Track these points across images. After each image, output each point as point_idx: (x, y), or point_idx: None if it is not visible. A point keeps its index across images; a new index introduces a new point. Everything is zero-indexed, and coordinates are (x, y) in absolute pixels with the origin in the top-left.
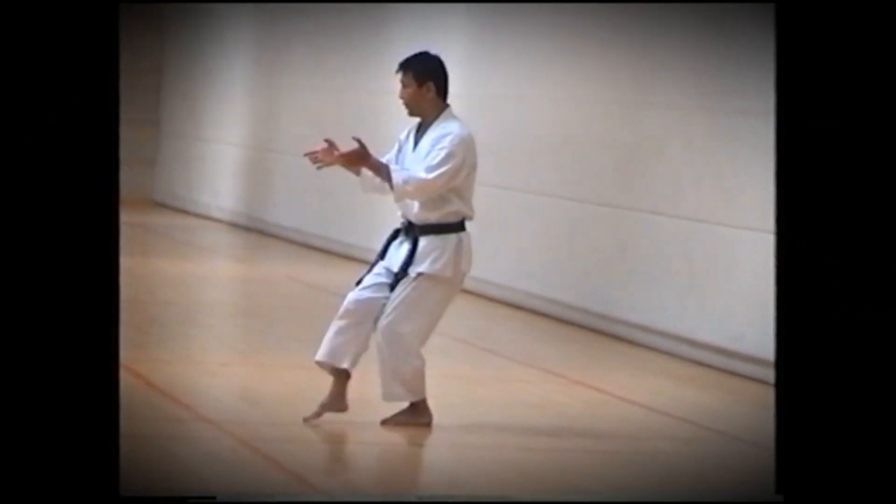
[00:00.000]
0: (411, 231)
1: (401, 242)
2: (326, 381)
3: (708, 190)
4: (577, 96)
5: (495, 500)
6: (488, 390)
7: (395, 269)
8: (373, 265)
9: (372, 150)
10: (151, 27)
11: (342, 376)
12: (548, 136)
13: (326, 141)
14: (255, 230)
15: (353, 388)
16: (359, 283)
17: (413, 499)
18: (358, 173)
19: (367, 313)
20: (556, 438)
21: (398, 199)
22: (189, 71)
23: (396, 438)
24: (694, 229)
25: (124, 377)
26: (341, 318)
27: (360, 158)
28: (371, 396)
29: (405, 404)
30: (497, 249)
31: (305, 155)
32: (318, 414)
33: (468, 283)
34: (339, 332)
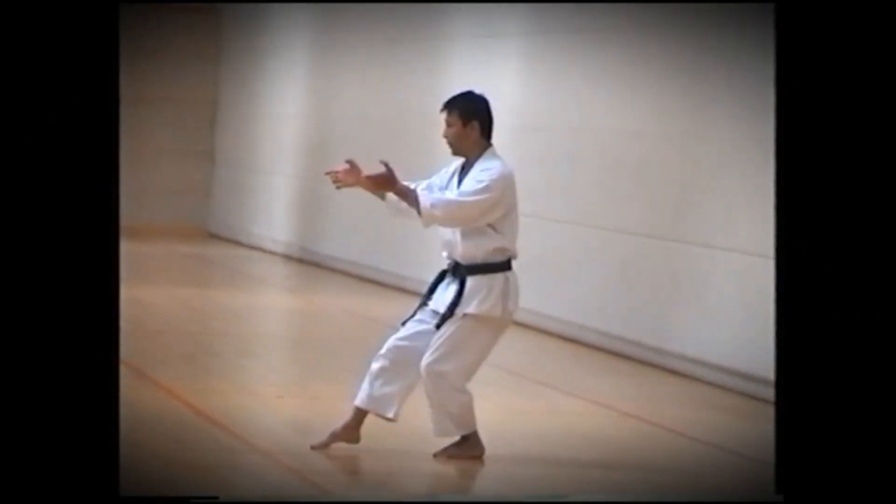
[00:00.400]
0: (458, 272)
1: (448, 284)
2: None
3: (761, 221)
4: (630, 128)
5: (499, 500)
6: (541, 423)
7: (442, 309)
8: (419, 307)
9: (421, 176)
10: (208, 57)
11: (363, 413)
12: (601, 167)
13: (348, 162)
14: (309, 262)
15: (402, 421)
16: (404, 323)
17: (425, 499)
18: (383, 197)
19: (408, 361)
20: (609, 471)
21: (426, 225)
22: (244, 102)
23: (448, 471)
24: (747, 262)
25: (177, 406)
26: (380, 360)
27: (386, 182)
28: (422, 428)
29: (457, 437)
30: (550, 282)
31: (326, 174)
32: (325, 444)
33: (522, 316)
34: (382, 377)
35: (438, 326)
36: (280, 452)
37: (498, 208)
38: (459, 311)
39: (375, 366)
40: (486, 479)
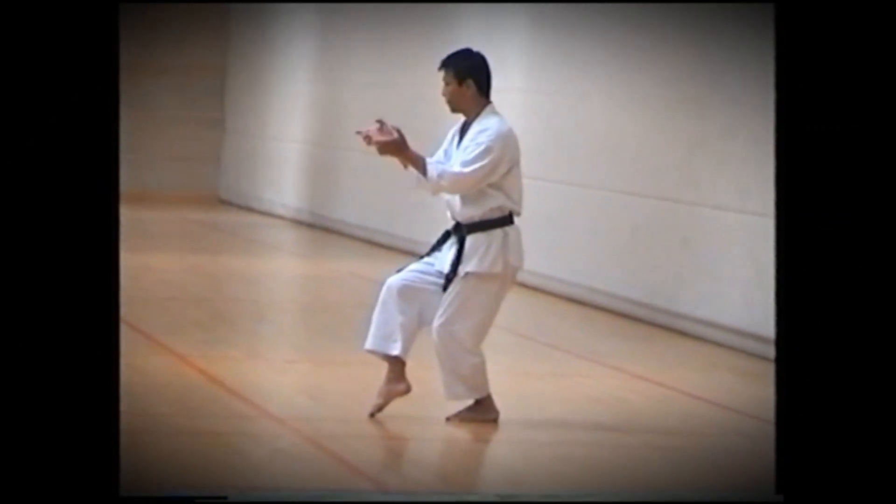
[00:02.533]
0: (458, 231)
1: (450, 244)
2: None
3: (772, 184)
4: (639, 92)
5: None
6: (552, 386)
7: (446, 270)
8: (420, 259)
9: (435, 146)
10: (215, 26)
11: (397, 362)
12: (611, 131)
13: (378, 121)
14: (320, 227)
15: (416, 384)
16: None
17: (451, 498)
18: (406, 166)
19: (409, 298)
20: (621, 434)
21: (434, 193)
22: (253, 69)
23: (460, 434)
24: (759, 224)
25: (189, 373)
26: (379, 301)
27: (396, 148)
28: (435, 392)
29: (470, 401)
30: (560, 245)
31: (358, 132)
32: (379, 406)
33: (531, 279)
34: (384, 317)
35: (445, 288)
36: (292, 418)
37: (501, 166)
38: (462, 271)
39: (378, 311)
40: (498, 444)
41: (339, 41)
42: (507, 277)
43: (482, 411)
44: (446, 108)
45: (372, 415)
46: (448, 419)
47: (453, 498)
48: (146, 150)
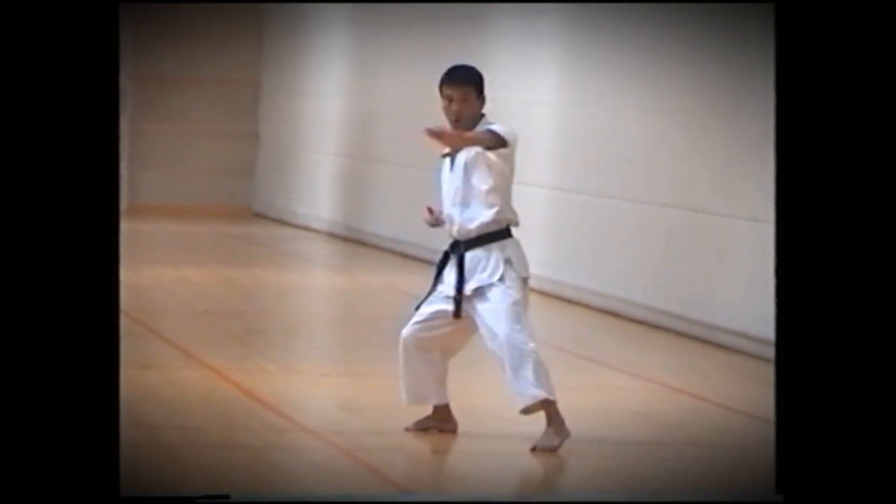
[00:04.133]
0: (456, 249)
1: (451, 264)
2: None
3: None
4: (671, 103)
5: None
6: (588, 399)
7: (450, 292)
8: (430, 292)
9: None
10: (250, 38)
11: (440, 407)
12: (644, 143)
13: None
14: (354, 240)
15: (457, 398)
16: (418, 307)
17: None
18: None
19: (426, 347)
20: (659, 446)
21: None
22: (287, 81)
23: (496, 446)
24: None
25: (224, 386)
26: (405, 360)
27: (460, 137)
28: (473, 406)
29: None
30: (595, 257)
31: (423, 131)
32: (419, 427)
33: (566, 291)
34: (410, 373)
35: (456, 314)
36: (327, 431)
37: (511, 160)
38: (468, 289)
39: (404, 367)
40: (535, 456)
41: (372, 53)
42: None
43: (559, 430)
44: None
45: (408, 429)
46: (533, 450)
47: (459, 498)
48: (181, 163)
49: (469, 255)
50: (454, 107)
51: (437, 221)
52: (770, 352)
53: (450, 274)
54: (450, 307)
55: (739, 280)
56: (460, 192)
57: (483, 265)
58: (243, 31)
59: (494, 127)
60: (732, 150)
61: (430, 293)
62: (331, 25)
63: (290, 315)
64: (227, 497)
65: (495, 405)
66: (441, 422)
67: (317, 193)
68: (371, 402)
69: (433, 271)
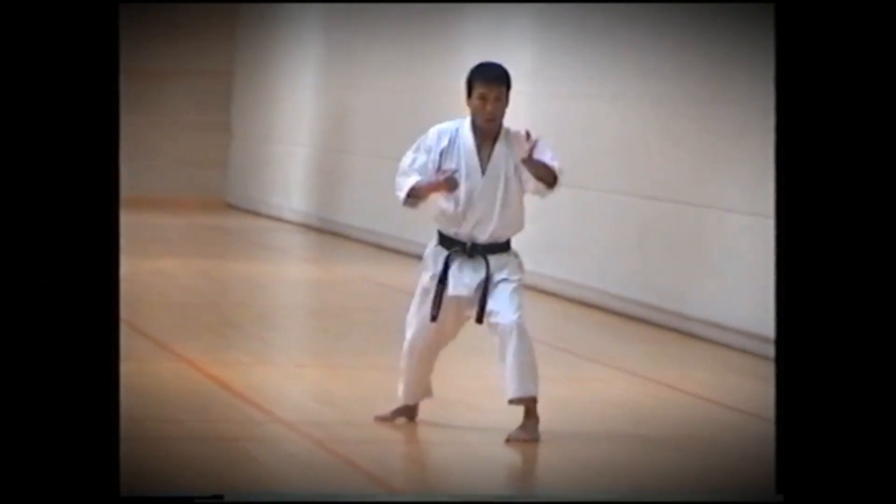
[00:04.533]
0: (475, 251)
1: (461, 265)
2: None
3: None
4: (649, 93)
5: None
6: (565, 390)
7: (472, 291)
8: (437, 297)
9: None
10: (222, 30)
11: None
12: (621, 134)
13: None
14: (327, 231)
15: (433, 391)
16: (434, 318)
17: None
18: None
19: (433, 352)
20: (635, 437)
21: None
22: (260, 73)
23: (472, 438)
24: (767, 226)
25: (200, 378)
26: (418, 363)
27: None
28: (447, 396)
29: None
30: (572, 248)
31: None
32: (386, 418)
33: (543, 283)
34: (418, 376)
35: (479, 319)
36: (302, 422)
37: None
38: (496, 277)
39: (408, 366)
40: (512, 447)
41: (346, 46)
42: None
43: (534, 425)
44: (451, 112)
45: (379, 419)
46: (508, 441)
47: (451, 498)
48: (154, 154)
49: (493, 259)
50: (489, 106)
51: (454, 185)
52: (745, 342)
53: (463, 274)
54: (465, 309)
55: (715, 270)
56: (500, 197)
57: (505, 267)
58: (217, 23)
59: (558, 165)
60: (706, 140)
61: (437, 297)
62: (304, 18)
63: (265, 306)
64: (222, 497)
65: (468, 395)
66: (411, 411)
67: (290, 185)
68: (346, 394)
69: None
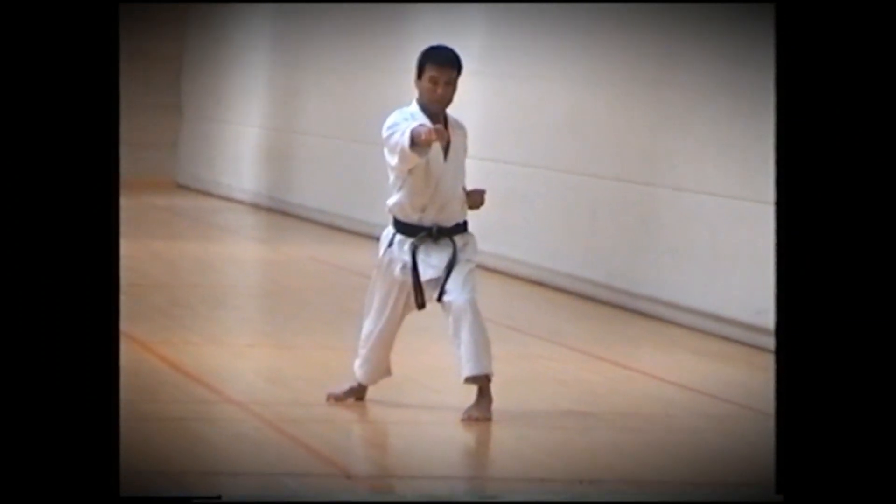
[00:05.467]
0: (441, 234)
1: (427, 249)
2: (350, 361)
3: (731, 165)
4: (598, 74)
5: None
6: (513, 368)
7: (437, 273)
8: (417, 286)
9: None
10: (173, 11)
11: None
12: (569, 113)
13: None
14: (278, 211)
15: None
16: (421, 305)
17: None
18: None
19: (395, 334)
20: (584, 416)
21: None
22: (210, 53)
23: (423, 418)
24: (718, 205)
25: (150, 359)
26: (381, 346)
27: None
28: (396, 377)
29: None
30: (520, 227)
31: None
32: (336, 398)
33: (491, 262)
34: (379, 357)
35: (440, 297)
36: (253, 402)
37: None
38: (462, 258)
39: (370, 348)
40: (461, 426)
41: (295, 25)
42: None
43: (488, 403)
44: (402, 92)
45: (332, 397)
46: (466, 419)
47: (445, 498)
48: None
49: (458, 238)
50: (440, 90)
51: (445, 135)
52: (695, 320)
53: (430, 258)
54: (427, 290)
55: (665, 250)
56: (458, 182)
57: (466, 247)
58: (166, 4)
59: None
60: (657, 120)
61: (416, 286)
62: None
63: (214, 287)
64: (219, 497)
65: (418, 374)
66: (362, 391)
67: (240, 165)
68: (296, 373)
69: (359, 240)
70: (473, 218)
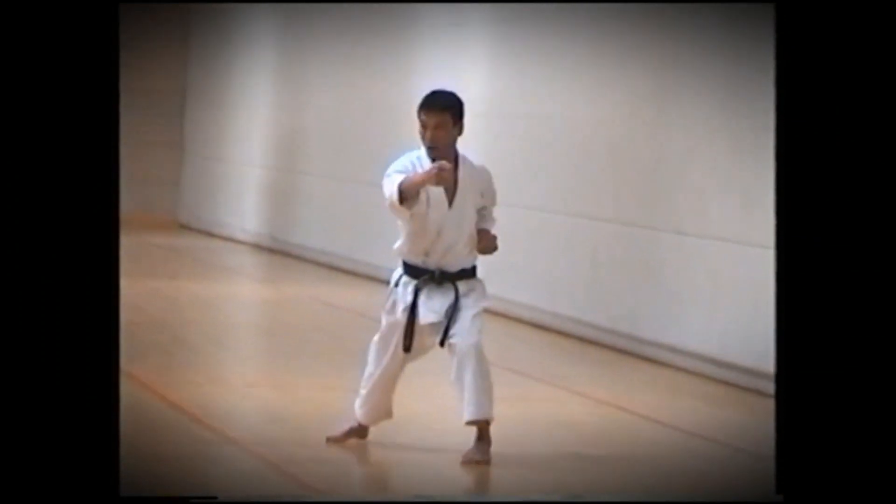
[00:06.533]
0: (445, 278)
1: (429, 293)
2: (351, 401)
3: (732, 208)
4: (598, 115)
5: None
6: (513, 410)
7: (437, 318)
8: (409, 327)
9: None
10: (175, 48)
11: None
12: (571, 154)
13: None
14: (280, 252)
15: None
16: (407, 349)
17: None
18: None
19: (398, 376)
20: (584, 459)
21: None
22: (213, 92)
23: (422, 458)
24: (718, 248)
25: (150, 398)
26: (382, 386)
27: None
28: (396, 418)
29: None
30: (521, 269)
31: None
32: (337, 440)
33: (493, 304)
34: (380, 398)
35: (442, 343)
36: (253, 442)
37: None
38: (464, 304)
39: (371, 388)
40: (462, 467)
41: (299, 65)
42: None
43: (486, 445)
44: (406, 132)
45: (331, 440)
46: (465, 462)
47: (453, 498)
48: None
49: (461, 285)
50: (429, 133)
51: (447, 175)
52: (697, 364)
53: (432, 302)
54: (430, 335)
55: (666, 293)
56: (465, 227)
57: (471, 293)
58: (169, 40)
59: (477, 166)
60: (660, 162)
61: (409, 327)
62: (258, 36)
63: (215, 326)
64: (215, 498)
65: (418, 415)
66: (364, 431)
67: (243, 205)
68: (297, 413)
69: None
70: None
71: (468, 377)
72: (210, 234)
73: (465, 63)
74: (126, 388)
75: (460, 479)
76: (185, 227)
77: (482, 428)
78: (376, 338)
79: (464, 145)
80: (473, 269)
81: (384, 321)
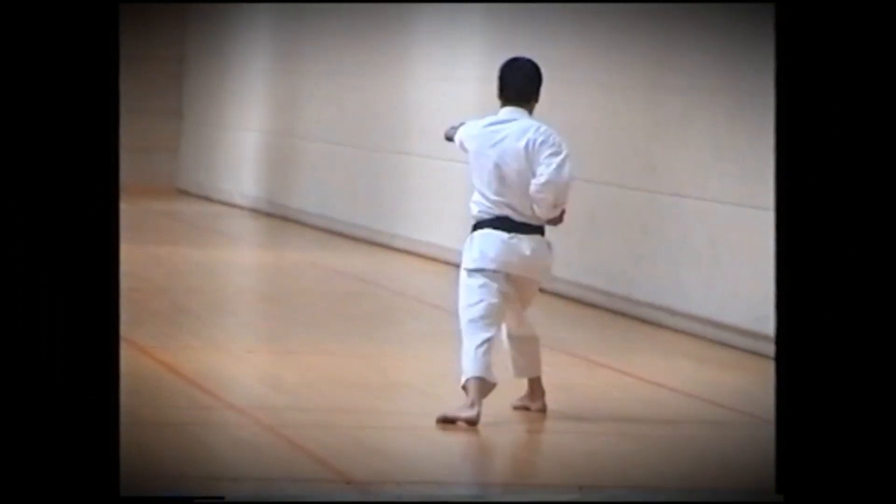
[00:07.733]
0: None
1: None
2: (351, 367)
3: (731, 170)
4: (596, 79)
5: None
6: (511, 373)
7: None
8: (490, 275)
9: (393, 136)
10: (173, 15)
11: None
12: (568, 118)
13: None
14: (278, 216)
15: (381, 374)
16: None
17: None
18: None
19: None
20: (582, 421)
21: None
22: (210, 59)
23: (423, 423)
24: (717, 210)
25: (151, 364)
26: (488, 330)
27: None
28: (398, 381)
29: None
30: None
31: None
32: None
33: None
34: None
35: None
36: (253, 408)
37: None
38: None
39: (486, 336)
40: (461, 432)
41: (297, 30)
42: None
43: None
44: (405, 95)
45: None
46: (515, 407)
47: (455, 498)
48: None
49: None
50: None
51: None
52: (693, 326)
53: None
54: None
55: (665, 256)
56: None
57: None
58: (166, 7)
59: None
60: (655, 125)
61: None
62: (257, 4)
63: (215, 292)
64: (222, 498)
65: (419, 380)
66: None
67: (241, 170)
68: (296, 379)
69: (360, 246)
70: (468, 225)
71: (526, 346)
72: (209, 200)
73: (462, 27)
74: (126, 354)
75: (460, 443)
76: (183, 193)
77: (536, 383)
78: (464, 293)
79: (459, 111)
80: (541, 227)
81: (464, 277)
